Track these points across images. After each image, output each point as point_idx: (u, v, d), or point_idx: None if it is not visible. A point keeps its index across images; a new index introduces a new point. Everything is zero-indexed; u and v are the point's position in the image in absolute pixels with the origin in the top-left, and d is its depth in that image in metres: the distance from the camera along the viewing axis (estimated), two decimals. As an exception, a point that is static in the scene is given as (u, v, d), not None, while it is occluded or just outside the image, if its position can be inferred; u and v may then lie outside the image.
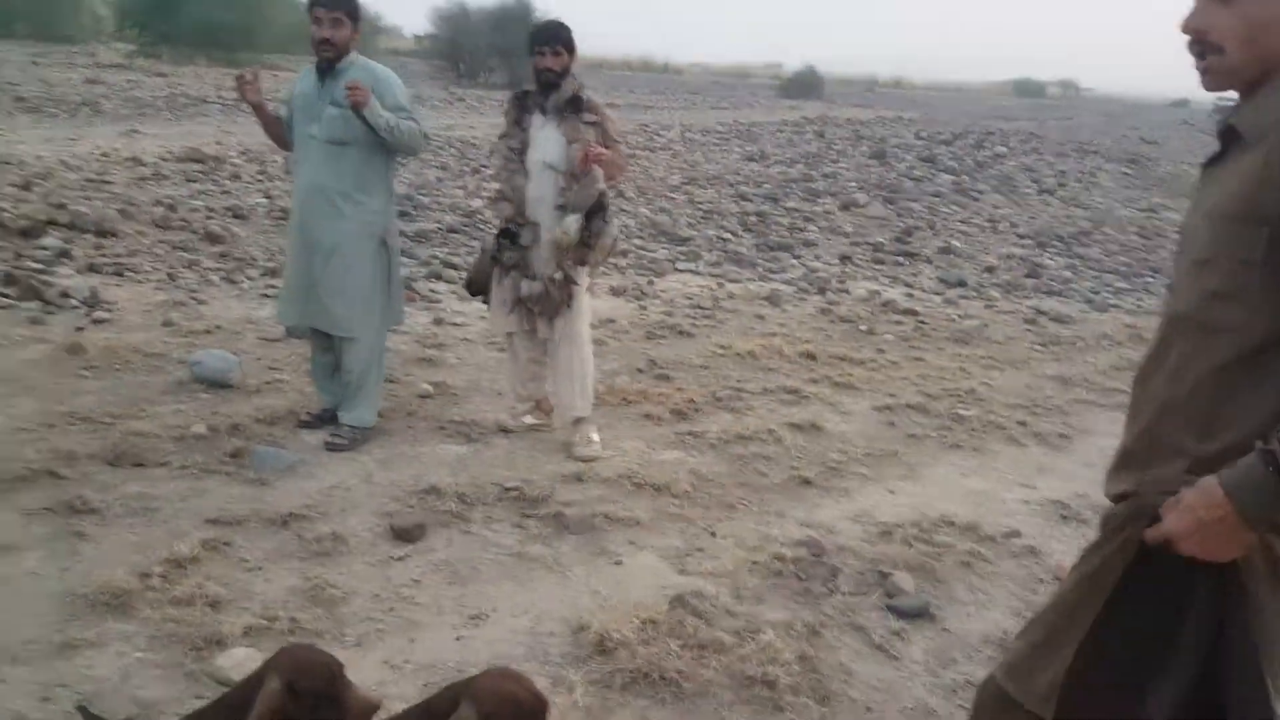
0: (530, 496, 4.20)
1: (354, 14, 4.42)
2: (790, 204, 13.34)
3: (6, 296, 6.28)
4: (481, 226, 9.84)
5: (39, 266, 6.97)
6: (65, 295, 6.44)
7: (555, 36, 4.51)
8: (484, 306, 5.06)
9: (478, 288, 4.85)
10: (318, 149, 4.43)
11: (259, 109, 4.54)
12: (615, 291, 8.18)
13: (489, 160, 12.55)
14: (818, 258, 10.35)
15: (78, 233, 8.06)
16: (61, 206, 8.56)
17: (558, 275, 4.59)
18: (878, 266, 10.26)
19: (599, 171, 4.47)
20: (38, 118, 14.79)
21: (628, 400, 5.59)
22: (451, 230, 9.89)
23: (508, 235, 4.60)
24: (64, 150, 11.65)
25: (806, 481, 4.64)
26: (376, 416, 4.79)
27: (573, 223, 4.47)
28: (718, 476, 4.61)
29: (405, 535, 3.78)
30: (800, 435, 5.23)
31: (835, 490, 4.60)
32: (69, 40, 35.79)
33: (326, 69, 4.41)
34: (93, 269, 7.23)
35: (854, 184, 15.42)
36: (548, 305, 4.63)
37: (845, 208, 13.31)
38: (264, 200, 10.16)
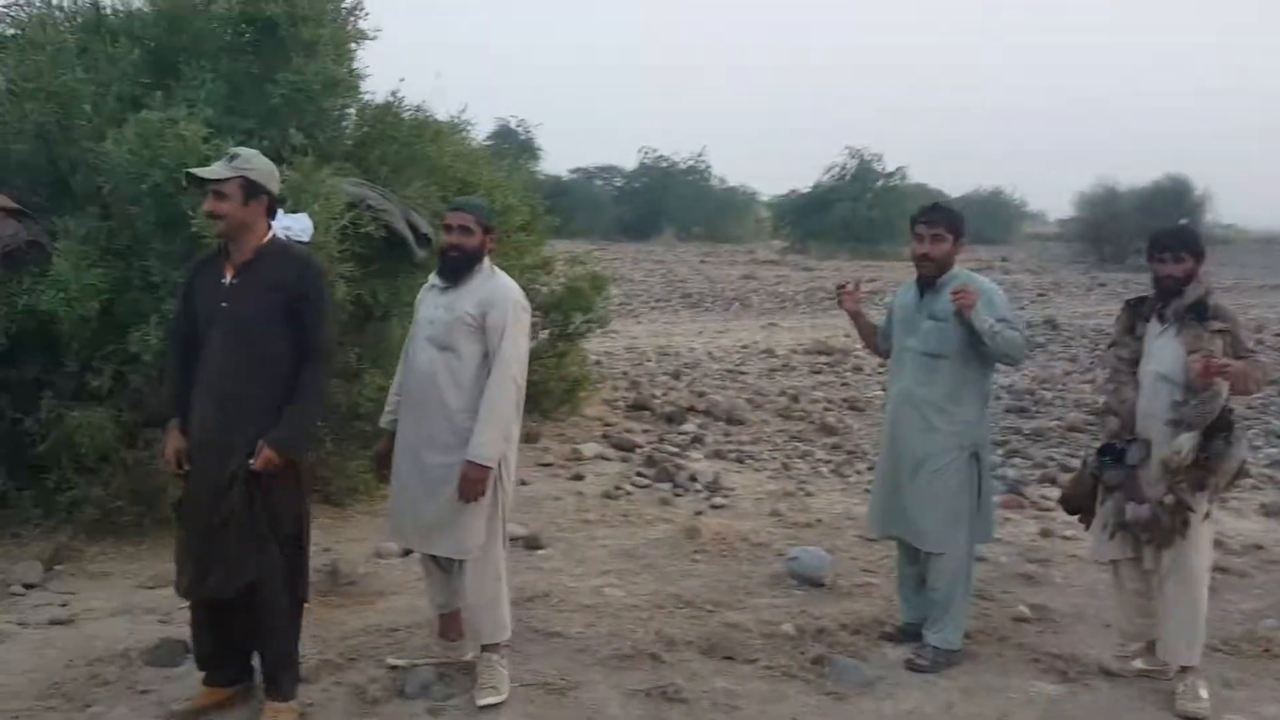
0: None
1: (956, 229, 4.42)
2: None
3: (645, 477, 7.16)
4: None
5: (675, 450, 7.88)
6: (692, 479, 7.16)
7: (1182, 243, 4.06)
8: (1083, 528, 4.56)
9: (1074, 506, 4.39)
10: (913, 360, 4.43)
11: (856, 316, 4.73)
12: (1268, 510, 6.90)
13: (1096, 370, 11.69)
14: None
15: (711, 419, 9.01)
16: (702, 394, 9.68)
17: (1169, 499, 3.97)
18: None
19: (1223, 385, 3.84)
20: (696, 312, 17.12)
21: (1272, 653, 4.58)
22: (1073, 429, 9.24)
23: (1111, 452, 4.12)
24: (712, 342, 13.28)
25: None
26: (963, 638, 4.49)
27: (1186, 441, 3.87)
28: None
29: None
30: None
31: None
32: (736, 240, 41.28)
33: (927, 283, 4.44)
34: (718, 455, 7.98)
35: None
36: (1157, 533, 4.02)
37: None
38: (881, 393, 10.47)
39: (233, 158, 3.57)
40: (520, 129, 43.67)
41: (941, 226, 4.36)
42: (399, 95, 7.12)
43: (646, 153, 45.76)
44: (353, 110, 6.87)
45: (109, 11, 6.41)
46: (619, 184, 45.66)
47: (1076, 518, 4.51)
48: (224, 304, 3.53)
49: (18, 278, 4.88)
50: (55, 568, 5.03)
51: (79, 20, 6.44)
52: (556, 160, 61.63)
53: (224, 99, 5.98)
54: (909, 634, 4.58)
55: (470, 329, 3.79)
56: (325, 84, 6.06)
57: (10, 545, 5.15)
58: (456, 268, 3.89)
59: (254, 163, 3.60)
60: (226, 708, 3.72)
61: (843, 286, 4.80)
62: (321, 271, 3.75)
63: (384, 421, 4.09)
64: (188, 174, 3.61)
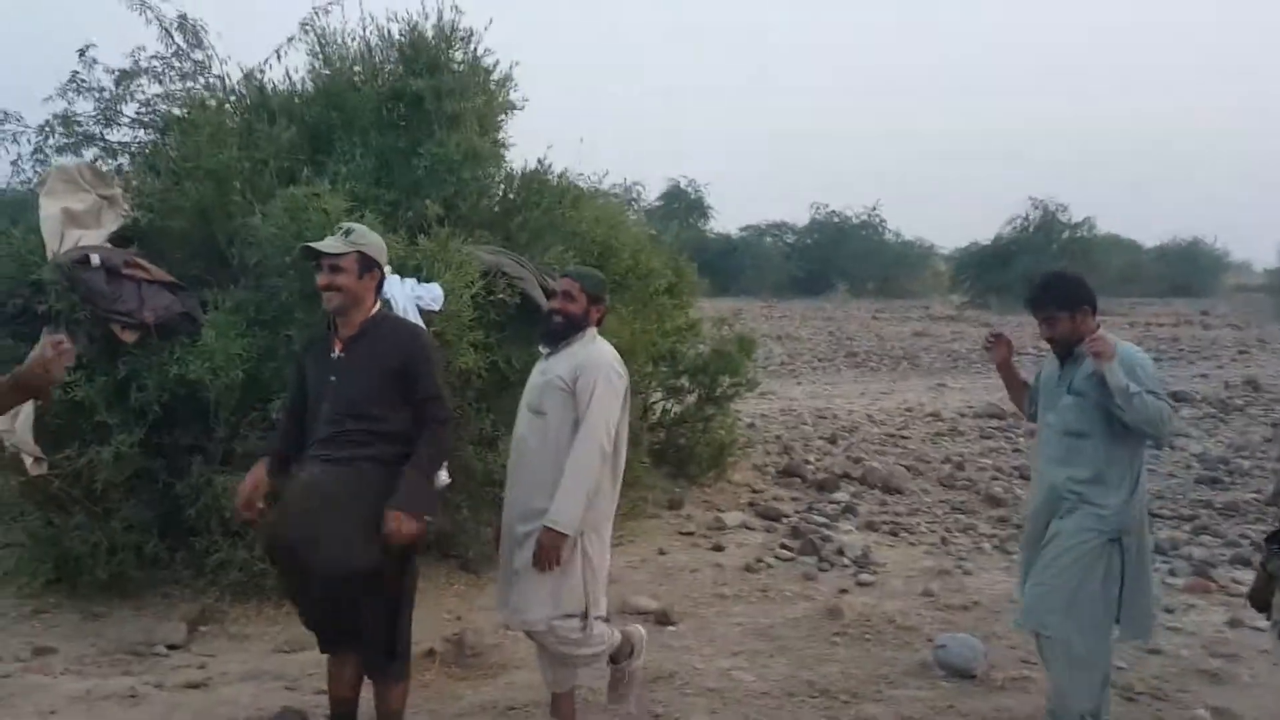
0: None
1: (1068, 304, 4.01)
2: None
3: (789, 549, 6.85)
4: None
5: (824, 520, 7.52)
6: (840, 552, 6.80)
7: None
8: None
9: (1260, 601, 3.86)
10: (1054, 439, 4.06)
11: (1005, 369, 4.44)
12: None
13: (1266, 448, 10.56)
14: None
15: (866, 488, 8.59)
16: (858, 461, 9.27)
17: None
18: None
19: None
20: (861, 371, 16.61)
21: None
22: (1274, 503, 8.32)
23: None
24: (874, 404, 12.79)
25: None
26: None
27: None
28: None
29: None
30: None
31: None
32: (911, 295, 40.18)
33: (1065, 355, 4.07)
34: (870, 526, 7.57)
35: None
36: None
37: None
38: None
39: (348, 233, 3.62)
40: (690, 188, 44.23)
41: (1050, 309, 4.02)
42: (545, 162, 7.23)
43: (818, 208, 45.37)
44: (498, 179, 6.98)
45: (272, 91, 6.77)
46: (790, 240, 45.34)
47: (1264, 615, 3.96)
48: (333, 378, 3.56)
49: (170, 347, 5.12)
50: (200, 629, 5.18)
51: (246, 101, 6.84)
52: (727, 218, 61.88)
53: (371, 172, 6.18)
54: None
55: (561, 393, 3.73)
56: (466, 155, 6.17)
57: (161, 605, 5.36)
58: (556, 332, 3.87)
59: (368, 238, 3.64)
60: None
61: (994, 336, 4.48)
62: (429, 342, 3.74)
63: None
64: (304, 248, 3.67)
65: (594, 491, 3.72)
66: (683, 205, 43.43)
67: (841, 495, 8.28)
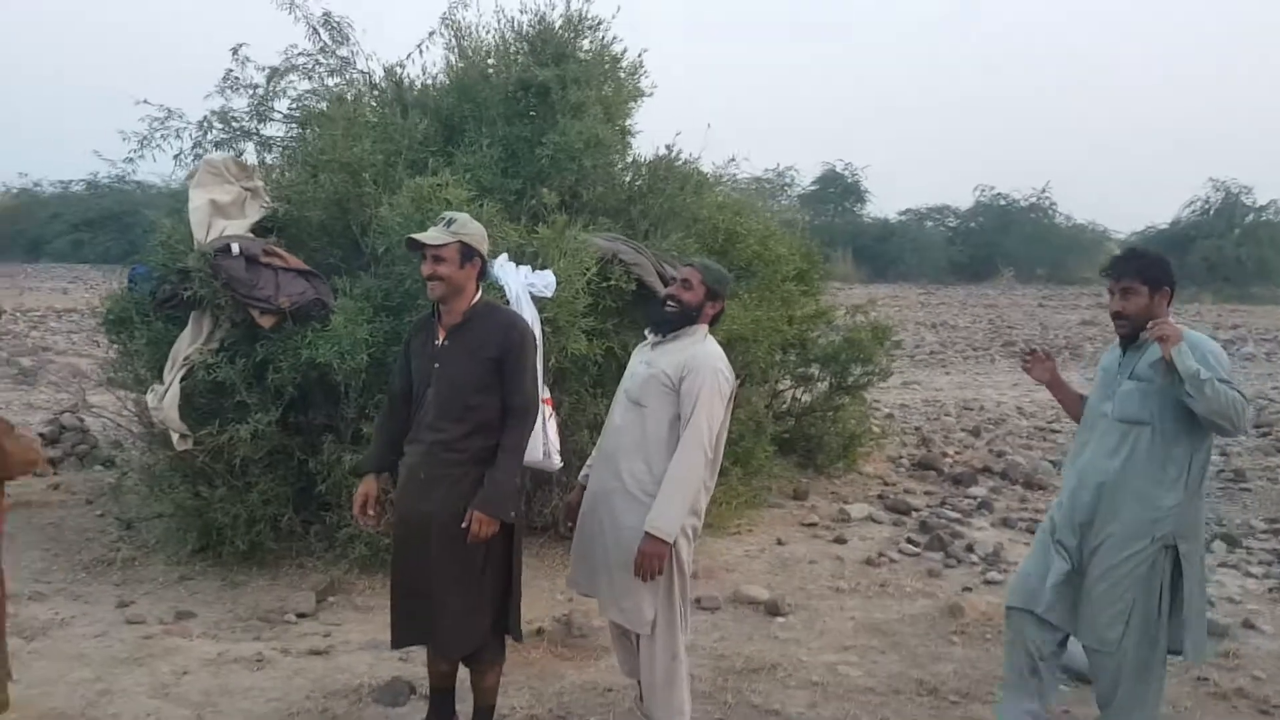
0: None
1: (1153, 280, 3.71)
2: None
3: (915, 544, 6.65)
4: None
5: (956, 516, 7.26)
6: (969, 549, 6.55)
7: None
8: None
9: None
10: (1106, 428, 3.76)
11: (1052, 388, 4.13)
12: None
13: None
14: None
15: (1006, 483, 8.25)
16: (1001, 454, 8.91)
17: None
18: None
19: None
20: (1016, 361, 15.90)
21: None
22: None
23: None
24: (1025, 396, 12.25)
25: None
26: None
27: None
28: None
29: None
30: None
31: None
32: (1082, 282, 38.24)
33: (1129, 341, 3.78)
34: (1006, 523, 7.27)
35: None
36: None
37: None
38: (1221, 459, 9.13)
39: (449, 223, 3.70)
40: (847, 172, 43.31)
41: (1133, 279, 3.70)
42: (673, 148, 7.23)
43: (983, 190, 43.71)
44: (621, 166, 7.04)
45: (409, 86, 7.02)
46: (953, 224, 43.86)
47: None
48: (437, 365, 3.67)
49: (303, 332, 5.39)
50: (328, 599, 5.45)
51: (387, 95, 7.12)
52: (885, 202, 60.21)
53: (498, 162, 6.34)
54: None
55: (665, 389, 3.67)
56: (588, 143, 6.24)
57: (294, 575, 5.66)
58: (666, 319, 3.80)
59: (469, 228, 3.72)
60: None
61: (1029, 354, 4.17)
62: (525, 332, 3.80)
63: (581, 475, 4.09)
64: (408, 240, 3.79)
65: (697, 497, 3.67)
66: (838, 189, 42.61)
67: (978, 490, 7.98)
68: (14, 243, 34.38)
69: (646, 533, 3.53)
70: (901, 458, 8.97)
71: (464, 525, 3.53)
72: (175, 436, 5.35)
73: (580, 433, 5.83)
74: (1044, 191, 42.63)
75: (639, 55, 7.17)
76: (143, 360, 5.83)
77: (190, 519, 5.61)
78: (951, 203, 44.71)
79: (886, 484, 8.23)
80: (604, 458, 3.85)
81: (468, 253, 3.66)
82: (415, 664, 4.60)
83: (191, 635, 4.89)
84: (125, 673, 4.44)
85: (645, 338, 3.98)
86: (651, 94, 7.31)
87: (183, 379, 5.39)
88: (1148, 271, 3.71)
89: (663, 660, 3.70)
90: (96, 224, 33.04)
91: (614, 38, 6.97)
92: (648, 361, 3.80)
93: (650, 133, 7.63)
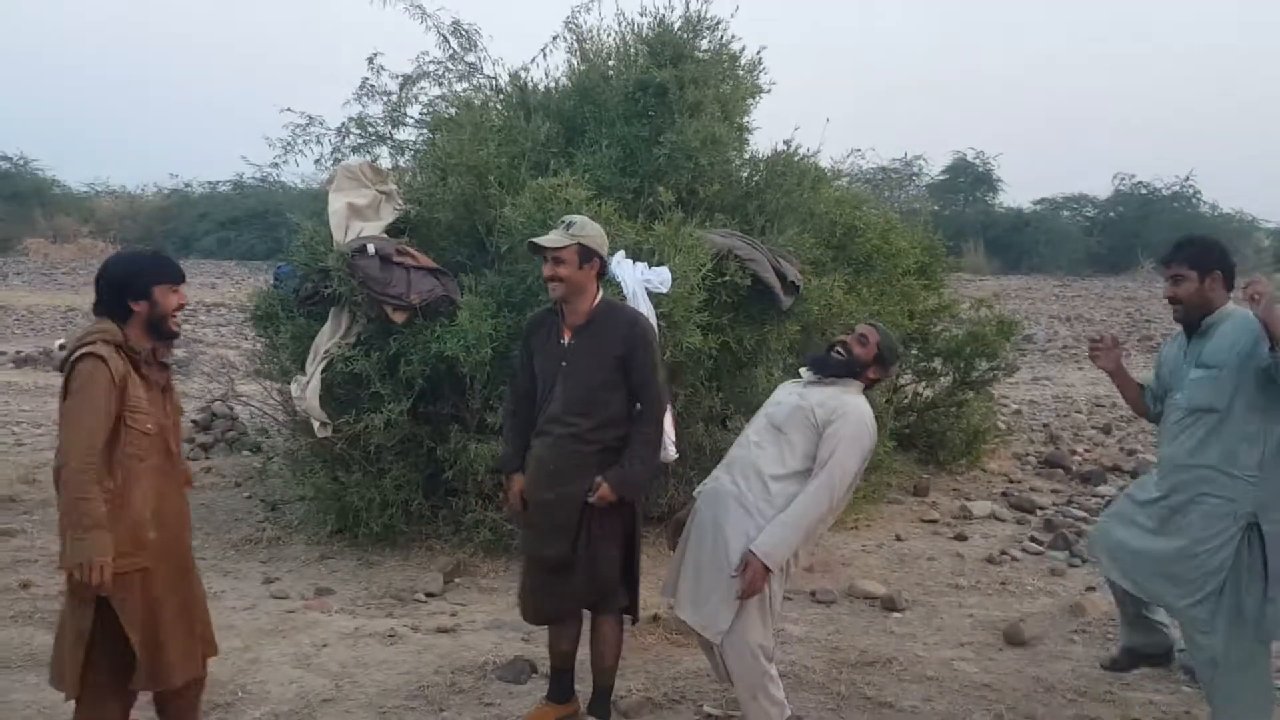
0: None
1: (1203, 265, 3.75)
2: None
3: (1038, 543, 6.53)
4: None
5: (1083, 515, 7.09)
6: (1094, 548, 6.41)
7: None
8: None
9: None
10: (1179, 418, 3.76)
11: (1115, 375, 4.17)
12: None
13: None
14: None
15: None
16: (1132, 453, 8.63)
17: None
18: None
19: None
20: (1153, 356, 15.26)
21: None
22: None
23: None
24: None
25: None
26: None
27: None
28: None
29: None
30: None
31: None
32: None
33: (1191, 328, 3.81)
34: (1135, 523, 7.06)
35: None
36: None
37: None
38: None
39: (568, 225, 3.86)
40: (978, 161, 42.06)
41: (1182, 265, 3.76)
42: (791, 144, 7.27)
43: (1123, 179, 41.82)
44: (738, 163, 7.11)
45: (532, 90, 7.25)
46: (1090, 214, 42.12)
47: None
48: (564, 363, 3.84)
49: (432, 327, 5.66)
50: (455, 580, 5.72)
51: (512, 99, 7.37)
52: (1019, 192, 58.21)
53: (617, 161, 6.49)
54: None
55: (809, 425, 3.68)
56: (704, 141, 6.34)
57: (423, 557, 5.96)
58: (830, 365, 3.81)
59: (587, 229, 3.86)
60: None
61: (1097, 341, 4.19)
62: (647, 329, 3.93)
63: (696, 491, 4.00)
64: (530, 243, 3.96)
65: (809, 537, 3.71)
66: (969, 179, 41.42)
67: (1107, 489, 7.75)
68: (166, 240, 36.44)
69: (753, 551, 3.56)
70: (1028, 455, 8.77)
71: (589, 497, 3.75)
72: (316, 424, 5.70)
73: (695, 425, 5.95)
74: (1188, 179, 40.49)
75: (758, 53, 7.23)
76: (287, 353, 6.21)
77: (329, 502, 5.96)
78: (1089, 191, 42.95)
79: (1011, 481, 8.08)
80: (730, 464, 3.85)
81: (586, 254, 3.80)
82: (537, 644, 4.80)
83: (330, 610, 5.22)
84: (270, 644, 4.77)
85: (799, 376, 3.97)
86: (769, 90, 7.36)
87: (323, 370, 5.73)
88: (1196, 258, 3.78)
89: (749, 671, 3.68)
90: (242, 223, 34.72)
91: (732, 36, 7.05)
92: (800, 394, 3.80)
93: (772, 127, 7.66)
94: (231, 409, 9.01)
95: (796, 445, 3.69)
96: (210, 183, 41.69)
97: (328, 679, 4.42)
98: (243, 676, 4.40)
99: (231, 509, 6.96)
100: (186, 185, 43.04)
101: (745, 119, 7.32)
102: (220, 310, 19.11)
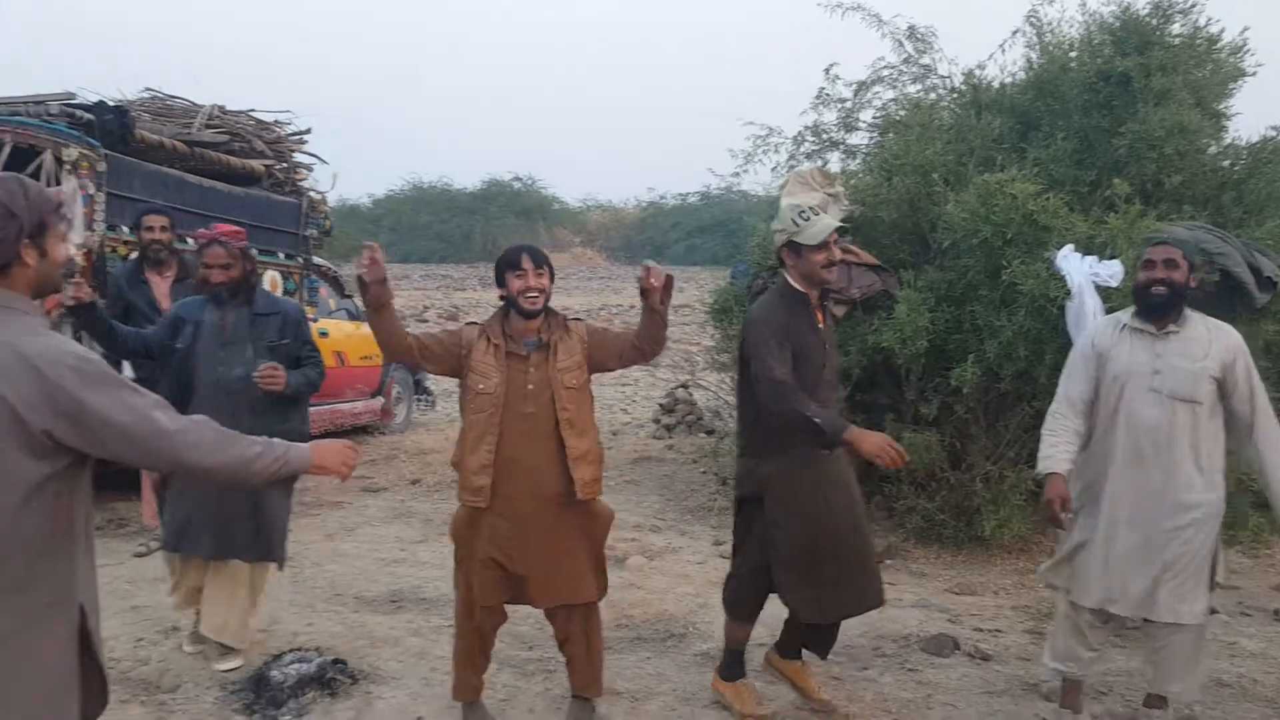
0: None
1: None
2: None
3: None
4: None
5: None
6: None
7: None
8: None
9: None
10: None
11: None
12: None
13: None
14: None
15: None
16: None
17: None
18: None
19: None
20: None
21: None
22: None
23: None
24: None
25: None
26: None
27: None
28: None
29: None
30: None
31: None
32: None
33: None
34: None
35: None
36: None
37: None
38: None
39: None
40: None
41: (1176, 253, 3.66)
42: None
43: None
44: (1212, 151, 6.61)
45: (984, 87, 7.27)
46: None
47: None
48: (826, 346, 3.84)
49: (870, 320, 5.96)
50: (886, 562, 5.97)
51: (964, 98, 7.44)
52: None
53: (1072, 154, 6.35)
54: None
55: (1214, 382, 3.53)
56: (1170, 130, 6.00)
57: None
58: (1161, 304, 3.61)
59: (775, 224, 3.91)
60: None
61: None
62: (753, 319, 3.83)
63: (1060, 466, 3.62)
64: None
65: None
66: None
67: None
68: (641, 248, 40.11)
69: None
70: None
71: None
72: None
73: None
74: None
75: (1241, 33, 6.67)
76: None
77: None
78: None
79: None
80: (1136, 457, 3.58)
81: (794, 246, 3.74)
82: (962, 627, 4.96)
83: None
84: (716, 593, 5.32)
85: (1119, 322, 3.76)
86: (1254, 73, 6.75)
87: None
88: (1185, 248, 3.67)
89: (1198, 640, 3.67)
90: (707, 230, 37.36)
91: (1209, 19, 6.58)
92: (1181, 354, 3.56)
93: (1261, 111, 6.96)
94: (691, 395, 9.97)
95: (1212, 409, 3.54)
96: (681, 194, 45.27)
97: (763, 628, 4.90)
98: (693, 616, 5.03)
99: (688, 480, 7.78)
100: (661, 197, 47.12)
101: (1224, 105, 6.78)
102: (685, 310, 20.85)
